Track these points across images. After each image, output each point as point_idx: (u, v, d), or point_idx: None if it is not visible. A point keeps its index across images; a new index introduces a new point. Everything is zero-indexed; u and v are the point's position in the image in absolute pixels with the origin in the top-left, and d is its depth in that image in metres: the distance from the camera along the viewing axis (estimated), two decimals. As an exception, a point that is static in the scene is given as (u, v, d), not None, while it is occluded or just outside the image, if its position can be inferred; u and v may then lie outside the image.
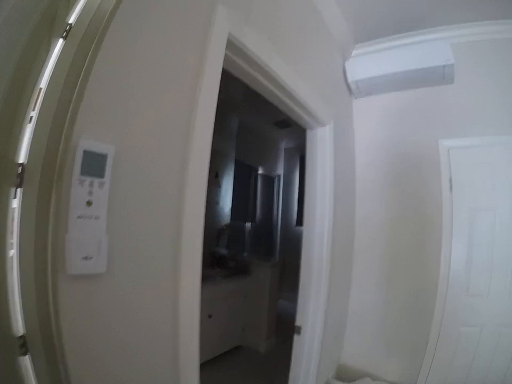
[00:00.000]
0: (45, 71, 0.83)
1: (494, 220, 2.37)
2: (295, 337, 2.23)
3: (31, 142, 0.80)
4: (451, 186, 2.51)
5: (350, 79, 2.72)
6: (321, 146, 2.31)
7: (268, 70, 1.50)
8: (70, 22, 0.87)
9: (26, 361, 0.78)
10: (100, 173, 0.78)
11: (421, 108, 2.73)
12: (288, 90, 1.73)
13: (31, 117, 0.82)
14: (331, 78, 2.54)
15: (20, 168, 0.78)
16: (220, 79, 1.18)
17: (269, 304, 3.76)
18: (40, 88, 0.82)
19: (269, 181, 4.99)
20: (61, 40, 0.85)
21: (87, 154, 0.76)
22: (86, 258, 0.77)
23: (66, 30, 0.86)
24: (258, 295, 3.75)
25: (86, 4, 0.88)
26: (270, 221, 5.03)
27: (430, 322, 2.44)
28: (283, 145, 5.20)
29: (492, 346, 2.27)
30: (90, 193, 0.77)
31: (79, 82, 0.77)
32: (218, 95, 1.18)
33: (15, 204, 0.78)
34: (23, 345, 0.78)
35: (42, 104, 0.82)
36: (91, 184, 0.77)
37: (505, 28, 2.48)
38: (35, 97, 0.82)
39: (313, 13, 2.20)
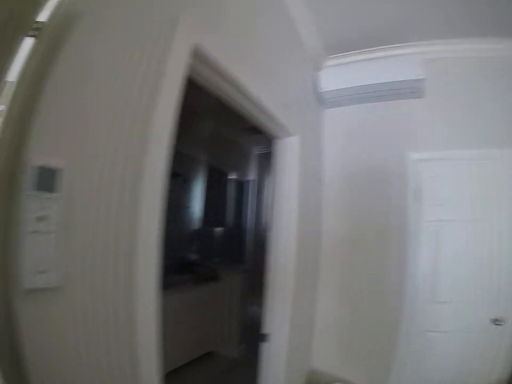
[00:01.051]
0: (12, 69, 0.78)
1: (458, 230, 2.46)
2: (262, 344, 2.24)
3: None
4: (417, 198, 2.58)
5: (320, 90, 2.77)
6: (288, 157, 2.33)
7: (233, 79, 1.51)
8: (41, 21, 0.82)
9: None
10: (52, 188, 0.77)
11: (390, 121, 2.81)
12: (254, 100, 1.74)
13: None
14: (302, 88, 2.57)
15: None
16: (181, 88, 1.17)
17: (239, 311, 3.75)
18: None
19: (241, 186, 4.97)
20: (25, 43, 0.81)
21: (39, 169, 0.74)
22: (40, 272, 0.76)
23: (36, 29, 0.81)
24: (228, 301, 3.74)
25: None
26: (241, 226, 5.00)
27: (397, 328, 2.50)
28: (255, 150, 5.20)
29: (459, 350, 2.36)
30: (42, 208, 0.75)
31: (32, 92, 0.75)
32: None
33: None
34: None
35: (9, 103, 0.77)
36: (43, 199, 0.75)
37: (476, 47, 2.61)
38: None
39: (286, 24, 2.23)
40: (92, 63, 0.88)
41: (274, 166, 2.38)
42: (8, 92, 0.77)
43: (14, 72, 0.78)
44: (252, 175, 5.20)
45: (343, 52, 2.92)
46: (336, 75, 2.76)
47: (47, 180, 0.75)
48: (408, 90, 2.62)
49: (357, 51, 2.87)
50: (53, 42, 0.80)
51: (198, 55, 1.28)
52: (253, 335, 3.66)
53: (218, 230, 4.63)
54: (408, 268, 2.53)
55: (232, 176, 4.84)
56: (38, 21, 0.82)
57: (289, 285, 2.25)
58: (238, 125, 4.24)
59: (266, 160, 5.17)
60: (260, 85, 1.77)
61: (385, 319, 2.58)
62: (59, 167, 0.78)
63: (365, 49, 2.84)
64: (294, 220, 2.28)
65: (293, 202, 2.29)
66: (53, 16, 0.82)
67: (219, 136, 4.46)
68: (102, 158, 0.91)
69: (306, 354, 2.72)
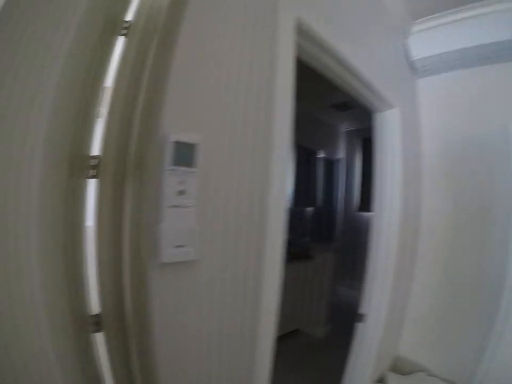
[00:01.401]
0: (110, 69, 0.84)
1: None
2: (358, 325, 2.21)
3: (105, 136, 0.82)
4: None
5: (413, 57, 2.57)
6: (389, 130, 2.22)
7: (335, 51, 1.49)
8: (128, 20, 0.87)
9: (100, 337, 0.83)
10: (190, 163, 0.81)
11: (490, 87, 2.46)
12: (355, 72, 1.70)
13: (101, 113, 0.84)
14: (394, 58, 2.42)
15: (94, 160, 0.80)
16: (294, 66, 1.18)
17: (328, 290, 3.74)
18: (107, 87, 0.84)
19: (330, 164, 4.89)
20: (121, 38, 0.86)
21: (177, 145, 0.78)
22: (178, 246, 0.81)
23: (126, 28, 0.87)
24: (318, 280, 3.74)
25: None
26: (331, 206, 4.95)
27: (491, 322, 2.25)
28: (343, 128, 5.09)
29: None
30: (181, 182, 0.80)
31: (159, 76, 0.80)
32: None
33: (92, 194, 0.81)
34: (97, 323, 0.82)
35: (112, 100, 0.84)
36: (182, 174, 0.80)
37: None
38: (104, 94, 0.84)
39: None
40: (209, 47, 0.90)
41: (374, 141, 2.28)
42: (108, 94, 0.83)
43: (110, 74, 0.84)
44: (340, 154, 5.10)
45: (430, 15, 2.64)
46: (427, 41, 2.53)
47: (186, 154, 0.80)
48: (508, 52, 2.32)
49: (446, 11, 2.53)
50: (147, 34, 0.84)
51: (300, 29, 1.27)
52: (341, 315, 3.66)
53: (309, 209, 4.62)
54: (510, 256, 2.23)
55: (321, 154, 4.78)
56: (127, 20, 0.87)
57: (390, 266, 2.18)
58: (324, 102, 4.16)
59: (355, 138, 5.04)
60: (358, 56, 1.72)
61: (479, 311, 2.35)
62: (196, 142, 0.82)
63: (455, 9, 2.49)
64: (397, 199, 2.20)
65: (396, 180, 2.20)
66: (140, 13, 0.87)
67: (306, 115, 4.41)
68: (233, 135, 0.95)
69: (396, 339, 2.64)
